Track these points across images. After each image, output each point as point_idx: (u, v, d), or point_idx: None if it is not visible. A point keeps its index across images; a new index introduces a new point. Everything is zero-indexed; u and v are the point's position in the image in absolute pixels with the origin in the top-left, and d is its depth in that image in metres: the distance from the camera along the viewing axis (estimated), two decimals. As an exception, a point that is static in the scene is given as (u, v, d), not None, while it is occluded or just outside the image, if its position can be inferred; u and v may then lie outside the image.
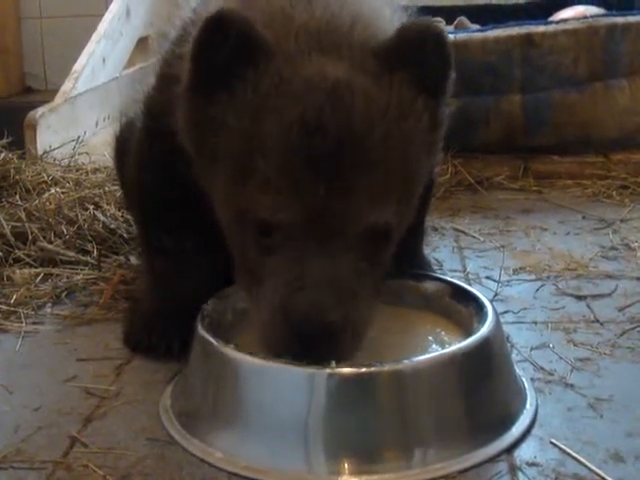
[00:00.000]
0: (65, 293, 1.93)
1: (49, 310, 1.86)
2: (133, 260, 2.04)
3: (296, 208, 1.29)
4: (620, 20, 2.78)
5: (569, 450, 1.28)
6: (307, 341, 1.26)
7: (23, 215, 2.21)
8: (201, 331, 1.41)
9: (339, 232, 1.30)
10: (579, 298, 1.84)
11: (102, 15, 3.63)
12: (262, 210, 1.32)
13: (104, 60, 3.48)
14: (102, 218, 2.22)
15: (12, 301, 1.86)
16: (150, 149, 1.64)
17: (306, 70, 1.33)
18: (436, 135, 1.45)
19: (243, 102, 1.34)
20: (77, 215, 2.22)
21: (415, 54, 1.36)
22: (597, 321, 1.72)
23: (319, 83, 1.31)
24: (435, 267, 1.90)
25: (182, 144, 1.46)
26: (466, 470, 1.25)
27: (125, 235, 2.16)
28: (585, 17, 2.91)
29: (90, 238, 2.14)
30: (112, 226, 2.19)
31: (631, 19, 2.79)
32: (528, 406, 1.40)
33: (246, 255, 1.38)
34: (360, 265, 1.33)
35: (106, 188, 2.39)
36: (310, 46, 1.36)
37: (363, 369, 1.26)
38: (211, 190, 1.43)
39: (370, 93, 1.33)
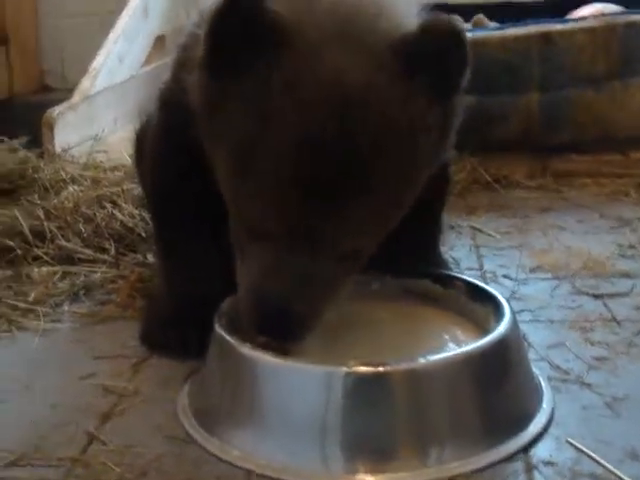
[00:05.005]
0: (83, 291, 1.93)
1: (67, 308, 1.86)
2: (151, 258, 2.04)
3: (282, 223, 1.31)
4: (638, 17, 2.77)
5: (585, 449, 1.28)
6: (267, 323, 1.33)
7: (41, 213, 2.21)
8: (218, 329, 1.41)
9: (320, 247, 1.32)
10: (596, 297, 1.83)
11: (120, 13, 3.64)
12: (251, 216, 1.35)
13: (122, 59, 3.49)
14: (120, 216, 2.22)
15: (30, 299, 1.87)
16: (166, 143, 1.64)
17: (322, 70, 1.29)
18: (443, 144, 1.42)
19: (253, 96, 1.31)
20: (95, 213, 2.22)
21: (435, 57, 1.31)
22: (614, 320, 1.71)
23: (331, 92, 1.27)
24: (452, 265, 1.89)
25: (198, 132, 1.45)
26: (482, 469, 1.25)
27: (143, 233, 2.16)
28: (603, 14, 2.90)
29: (108, 236, 2.14)
30: (130, 224, 2.19)
31: (650, 16, 2.78)
32: (544, 405, 1.40)
33: (238, 232, 1.41)
34: (332, 268, 1.35)
35: (124, 186, 2.39)
36: (333, 35, 1.31)
37: (379, 368, 1.26)
38: (214, 167, 1.43)
39: (384, 109, 1.30)
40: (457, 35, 1.33)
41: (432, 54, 1.32)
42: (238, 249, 1.43)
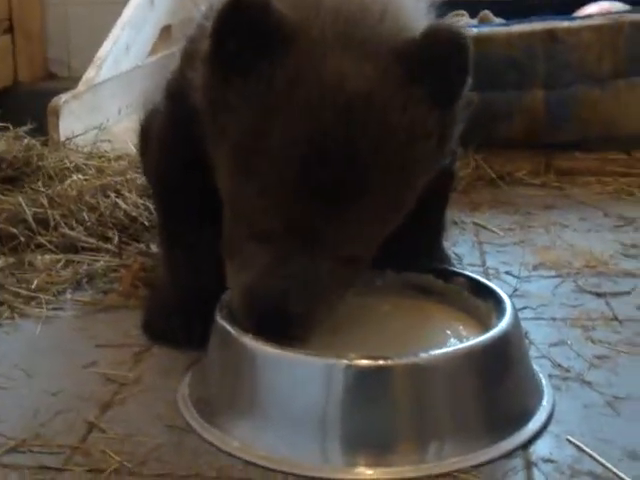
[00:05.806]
0: (85, 279, 1.94)
1: (69, 296, 1.87)
2: (154, 248, 2.04)
3: (285, 223, 1.32)
4: (645, 17, 2.76)
5: (585, 447, 1.28)
6: (265, 321, 1.34)
7: (45, 201, 2.21)
8: (219, 320, 1.41)
9: (321, 249, 1.33)
10: (598, 295, 1.83)
11: (126, 2, 3.64)
12: (251, 215, 1.36)
13: (127, 48, 3.48)
14: (123, 206, 2.22)
15: (33, 286, 1.87)
16: (172, 133, 1.63)
17: (325, 72, 1.30)
18: (443, 150, 1.42)
19: (256, 94, 1.32)
20: (98, 202, 2.22)
21: (437, 64, 1.32)
22: (616, 319, 1.71)
23: (335, 95, 1.29)
24: (454, 262, 1.89)
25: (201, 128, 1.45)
26: (481, 465, 1.25)
27: (146, 223, 2.16)
28: (610, 13, 2.89)
29: (111, 225, 2.15)
30: (133, 214, 2.20)
31: (657, 16, 2.77)
32: (545, 403, 1.40)
33: (235, 232, 1.42)
34: (333, 272, 1.36)
35: (128, 176, 2.39)
36: (336, 37, 1.32)
37: (380, 361, 1.27)
38: (215, 164, 1.44)
39: (385, 115, 1.31)
40: (459, 42, 1.33)
41: (433, 61, 1.32)
42: (231, 251, 1.43)
